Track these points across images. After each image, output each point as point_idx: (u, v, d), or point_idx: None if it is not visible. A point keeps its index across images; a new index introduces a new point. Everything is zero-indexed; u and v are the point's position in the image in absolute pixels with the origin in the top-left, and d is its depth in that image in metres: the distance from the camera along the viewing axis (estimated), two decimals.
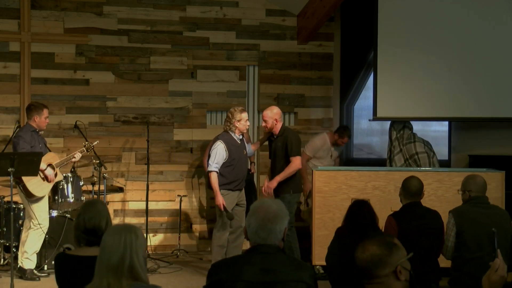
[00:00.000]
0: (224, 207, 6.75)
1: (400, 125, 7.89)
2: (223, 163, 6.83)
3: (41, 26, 8.12)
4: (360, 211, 4.71)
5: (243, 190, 7.10)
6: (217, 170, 6.80)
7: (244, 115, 6.95)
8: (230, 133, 6.94)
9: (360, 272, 2.67)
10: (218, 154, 6.81)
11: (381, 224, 5.03)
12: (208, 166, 6.92)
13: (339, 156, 8.51)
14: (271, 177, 7.18)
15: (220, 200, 6.75)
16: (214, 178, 6.79)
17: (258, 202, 3.20)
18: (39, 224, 6.75)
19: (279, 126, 7.10)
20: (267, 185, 7.01)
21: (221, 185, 6.84)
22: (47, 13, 8.16)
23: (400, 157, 7.78)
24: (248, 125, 7.06)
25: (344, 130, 8.23)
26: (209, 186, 7.06)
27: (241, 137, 7.01)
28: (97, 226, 3.65)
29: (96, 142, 7.37)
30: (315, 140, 8.24)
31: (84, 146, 7.28)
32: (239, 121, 6.90)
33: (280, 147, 7.07)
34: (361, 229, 4.59)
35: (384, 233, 4.95)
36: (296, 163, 7.00)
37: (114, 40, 8.33)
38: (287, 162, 7.01)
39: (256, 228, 3.08)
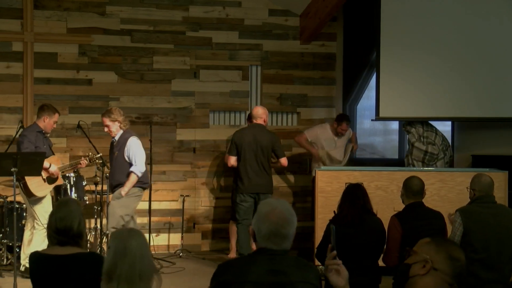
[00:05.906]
0: None
1: (412, 128, 7.92)
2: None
3: (44, 26, 8.12)
4: (354, 193, 4.95)
5: None
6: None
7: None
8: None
9: (462, 276, 2.55)
10: (141, 150, 7.02)
11: (385, 224, 5.05)
12: (140, 167, 6.98)
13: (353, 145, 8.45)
14: None
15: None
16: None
17: (267, 206, 3.05)
18: (44, 224, 6.75)
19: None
20: None
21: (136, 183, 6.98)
22: (50, 13, 8.16)
23: (420, 144, 7.76)
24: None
25: (340, 117, 8.21)
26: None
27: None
28: (68, 226, 3.57)
29: (99, 155, 7.36)
30: (315, 127, 8.34)
31: (88, 156, 7.27)
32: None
33: None
34: (355, 210, 4.84)
35: (388, 233, 4.97)
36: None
37: (116, 40, 8.33)
38: None
39: (269, 234, 2.97)
